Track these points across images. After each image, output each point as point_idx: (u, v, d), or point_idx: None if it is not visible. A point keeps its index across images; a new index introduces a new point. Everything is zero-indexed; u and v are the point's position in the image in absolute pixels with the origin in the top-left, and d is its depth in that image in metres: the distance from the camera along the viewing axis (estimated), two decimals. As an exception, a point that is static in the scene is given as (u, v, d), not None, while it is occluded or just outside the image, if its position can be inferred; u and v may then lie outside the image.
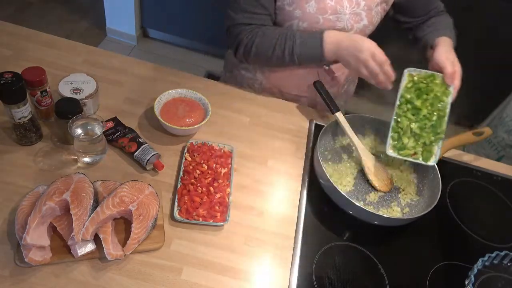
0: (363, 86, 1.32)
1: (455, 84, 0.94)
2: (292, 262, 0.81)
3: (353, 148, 1.01)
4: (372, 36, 1.07)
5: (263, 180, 0.95)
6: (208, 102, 1.00)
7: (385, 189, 0.98)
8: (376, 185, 0.97)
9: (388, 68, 0.94)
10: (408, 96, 0.93)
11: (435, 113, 0.92)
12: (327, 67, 1.12)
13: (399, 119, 0.94)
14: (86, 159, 0.86)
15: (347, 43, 0.96)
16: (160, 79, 1.12)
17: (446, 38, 1.06)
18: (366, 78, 0.96)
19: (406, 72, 0.96)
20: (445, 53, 0.98)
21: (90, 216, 0.72)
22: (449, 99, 0.93)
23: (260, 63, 1.12)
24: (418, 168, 1.04)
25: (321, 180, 0.94)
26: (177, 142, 0.97)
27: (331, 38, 0.97)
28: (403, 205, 0.97)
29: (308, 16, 0.99)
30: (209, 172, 0.89)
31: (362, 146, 1.00)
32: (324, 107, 1.14)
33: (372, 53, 0.92)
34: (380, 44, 0.96)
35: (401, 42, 1.18)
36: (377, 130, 1.10)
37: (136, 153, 0.88)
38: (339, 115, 1.01)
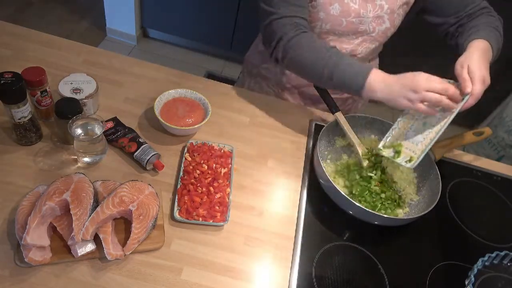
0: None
1: (469, 91, 0.86)
2: (292, 262, 0.81)
3: (353, 148, 1.01)
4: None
5: (263, 180, 0.95)
6: (208, 102, 1.00)
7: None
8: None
9: (453, 91, 0.85)
10: None
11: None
12: None
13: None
14: (86, 159, 0.86)
15: (391, 83, 0.88)
16: (160, 79, 1.12)
17: (478, 43, 0.95)
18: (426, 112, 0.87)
19: None
20: (465, 59, 0.90)
21: (90, 216, 0.72)
22: (458, 106, 0.87)
23: (294, 65, 0.98)
24: (418, 168, 1.04)
25: (321, 180, 0.94)
26: (177, 142, 0.97)
27: (376, 77, 0.89)
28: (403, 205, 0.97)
29: (332, 18, 0.99)
30: (209, 172, 0.89)
31: (362, 146, 1.00)
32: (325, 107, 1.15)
33: (421, 85, 0.84)
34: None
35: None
36: (377, 130, 1.10)
37: (136, 153, 0.88)
38: (339, 115, 1.01)
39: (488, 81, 0.89)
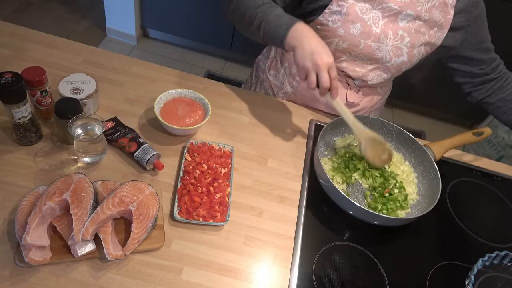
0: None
1: None
2: (292, 262, 0.81)
3: (350, 129, 0.97)
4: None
5: (263, 180, 0.95)
6: (208, 102, 1.00)
7: (381, 164, 0.98)
8: (372, 161, 0.97)
9: (335, 83, 0.89)
10: None
11: None
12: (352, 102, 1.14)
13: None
14: (86, 159, 0.86)
15: (310, 41, 0.88)
16: (160, 79, 1.12)
17: None
18: (307, 82, 0.90)
19: None
20: None
21: (90, 216, 0.72)
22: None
23: (235, 16, 1.00)
24: (418, 168, 1.04)
25: (321, 180, 0.94)
26: (177, 142, 0.97)
27: (298, 32, 0.89)
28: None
29: (350, 37, 0.98)
30: (209, 172, 0.89)
31: (357, 123, 0.96)
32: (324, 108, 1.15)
33: (329, 67, 0.87)
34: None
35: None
36: (377, 130, 1.10)
37: (136, 153, 0.88)
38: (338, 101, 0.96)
39: None
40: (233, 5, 0.98)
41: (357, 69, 1.06)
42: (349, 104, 1.14)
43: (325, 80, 0.87)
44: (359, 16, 0.95)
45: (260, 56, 1.29)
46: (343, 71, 1.07)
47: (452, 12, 0.99)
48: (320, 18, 0.98)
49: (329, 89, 0.90)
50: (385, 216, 0.87)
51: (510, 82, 1.14)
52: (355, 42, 0.99)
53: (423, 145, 1.03)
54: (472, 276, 0.82)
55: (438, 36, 1.02)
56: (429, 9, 0.96)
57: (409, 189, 0.99)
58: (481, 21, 1.06)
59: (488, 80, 1.14)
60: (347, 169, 0.98)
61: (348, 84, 1.12)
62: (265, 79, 1.24)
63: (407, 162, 1.06)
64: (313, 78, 0.87)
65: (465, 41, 1.06)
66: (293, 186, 0.95)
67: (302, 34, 0.89)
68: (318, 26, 1.00)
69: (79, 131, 0.83)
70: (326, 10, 0.96)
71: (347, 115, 0.95)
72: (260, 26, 0.93)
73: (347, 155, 1.02)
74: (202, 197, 0.84)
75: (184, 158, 0.92)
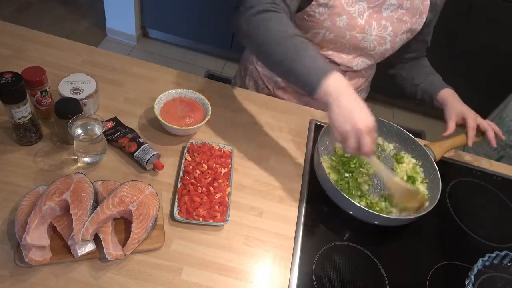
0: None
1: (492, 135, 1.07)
2: (292, 262, 0.81)
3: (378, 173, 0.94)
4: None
5: (263, 180, 0.95)
6: (208, 102, 1.00)
7: (411, 210, 0.92)
8: (402, 208, 0.93)
9: (374, 144, 0.80)
10: None
11: None
12: None
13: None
14: (86, 159, 0.86)
15: (349, 101, 0.76)
16: (160, 79, 1.12)
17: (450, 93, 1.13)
18: (344, 146, 0.79)
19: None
20: (471, 113, 1.08)
21: (90, 216, 0.72)
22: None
23: (254, 39, 0.85)
24: (418, 168, 1.04)
25: (321, 180, 0.94)
26: (177, 142, 0.97)
27: (335, 84, 0.77)
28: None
29: (336, 29, 1.00)
30: (209, 172, 0.89)
31: (392, 177, 0.90)
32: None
33: (370, 130, 0.77)
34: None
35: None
36: (377, 130, 1.09)
37: (136, 153, 0.88)
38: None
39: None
40: (253, 27, 0.83)
41: (342, 56, 1.08)
42: None
43: (367, 145, 0.76)
44: (345, 8, 0.97)
45: (247, 49, 1.27)
46: (328, 58, 1.09)
47: None
48: (308, 9, 0.99)
49: None
50: (385, 216, 0.87)
51: (423, 61, 1.24)
52: (341, 34, 1.01)
53: (423, 145, 1.04)
54: (472, 276, 0.82)
55: (418, 22, 1.06)
56: None
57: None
58: (440, 9, 1.10)
59: (415, 58, 1.23)
60: (343, 170, 0.99)
61: None
62: (254, 70, 1.24)
63: (413, 160, 1.06)
64: (352, 144, 0.76)
65: (428, 25, 1.10)
66: (293, 186, 0.95)
67: (339, 88, 0.76)
68: (306, 17, 1.01)
69: (79, 131, 0.83)
70: (313, 2, 0.97)
71: (382, 170, 0.88)
72: (288, 64, 0.79)
73: (345, 157, 1.02)
74: (202, 197, 0.84)
75: (184, 158, 0.92)
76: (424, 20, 1.06)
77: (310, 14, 0.99)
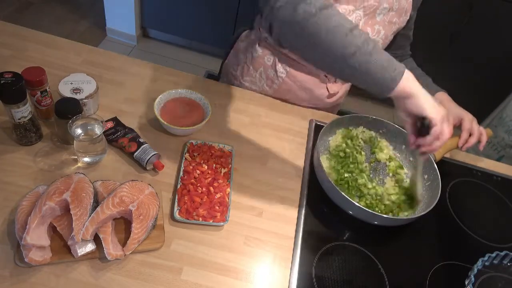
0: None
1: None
2: (292, 262, 0.81)
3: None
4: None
5: (263, 180, 0.95)
6: (208, 102, 1.00)
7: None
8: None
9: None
10: None
11: None
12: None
13: None
14: (86, 159, 0.86)
15: (425, 92, 0.76)
16: (160, 79, 1.12)
17: (446, 97, 1.12)
18: (441, 135, 0.78)
19: None
20: (467, 115, 1.06)
21: (90, 216, 0.72)
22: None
23: (310, 39, 0.73)
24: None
25: (321, 180, 0.94)
26: (177, 142, 0.97)
27: (412, 78, 0.75)
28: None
29: None
30: (209, 172, 0.89)
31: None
32: (324, 107, 1.15)
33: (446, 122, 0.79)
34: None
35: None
36: (378, 130, 1.10)
37: (136, 153, 0.88)
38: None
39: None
40: (311, 26, 0.71)
41: None
42: (331, 95, 1.18)
43: (449, 130, 0.78)
44: None
45: (228, 61, 1.22)
46: None
47: None
48: None
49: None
50: (385, 216, 0.87)
51: (411, 62, 1.23)
52: None
53: (424, 146, 1.03)
54: (472, 276, 0.82)
55: (404, 20, 1.07)
56: None
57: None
58: (420, 2, 1.10)
59: (400, 56, 1.22)
60: (343, 170, 0.99)
61: (326, 77, 1.13)
62: (241, 85, 1.19)
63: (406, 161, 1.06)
64: (447, 128, 0.77)
65: (409, 21, 1.11)
66: (293, 186, 0.95)
67: (416, 82, 0.75)
68: None
69: (79, 131, 0.83)
70: None
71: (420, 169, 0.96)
72: (362, 57, 0.72)
73: (341, 155, 1.03)
74: (202, 197, 0.84)
75: (184, 158, 0.92)
76: (408, 17, 1.07)
77: None
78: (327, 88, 1.15)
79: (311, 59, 0.79)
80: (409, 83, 0.74)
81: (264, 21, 0.76)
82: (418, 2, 1.07)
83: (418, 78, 1.15)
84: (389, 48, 1.16)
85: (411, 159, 1.06)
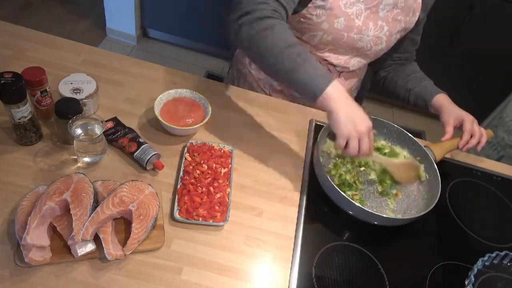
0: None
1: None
2: (292, 262, 0.81)
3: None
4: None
5: (263, 180, 0.95)
6: (208, 102, 1.00)
7: (408, 181, 1.00)
8: (399, 179, 0.99)
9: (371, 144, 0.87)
10: None
11: None
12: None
13: None
14: (86, 159, 0.86)
15: (349, 107, 0.83)
16: (160, 79, 1.12)
17: (445, 97, 1.13)
18: (347, 151, 0.84)
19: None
20: (468, 116, 1.07)
21: (90, 216, 0.72)
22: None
23: (255, 47, 0.85)
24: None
25: (321, 180, 0.94)
26: (177, 142, 0.97)
27: (336, 92, 0.82)
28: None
29: (334, 31, 1.00)
30: (209, 172, 0.89)
31: (390, 162, 0.98)
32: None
33: (369, 131, 0.84)
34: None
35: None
36: (378, 130, 1.10)
37: (136, 153, 0.88)
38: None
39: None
40: (253, 35, 0.83)
41: (339, 57, 1.09)
42: None
43: (367, 147, 0.84)
44: (343, 10, 0.97)
45: (238, 50, 1.27)
46: (325, 60, 1.10)
47: None
48: (304, 11, 0.98)
49: None
50: (385, 216, 0.87)
51: (414, 66, 1.25)
52: (339, 35, 1.01)
53: (424, 146, 1.04)
54: (472, 276, 0.82)
55: (412, 21, 1.07)
56: None
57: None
58: (429, 8, 1.10)
59: (405, 60, 1.24)
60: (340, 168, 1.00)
61: (330, 71, 1.14)
62: (248, 73, 1.23)
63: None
64: (355, 145, 0.83)
65: (418, 24, 1.11)
66: (293, 186, 0.95)
67: (341, 96, 0.82)
68: (302, 19, 1.01)
69: (79, 131, 0.83)
70: (310, 5, 0.97)
71: (381, 159, 0.97)
72: (292, 72, 0.82)
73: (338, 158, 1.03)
74: (202, 197, 0.84)
75: (184, 158, 0.92)
76: (416, 19, 1.07)
77: (307, 16, 0.99)
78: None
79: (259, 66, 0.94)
80: (329, 101, 0.82)
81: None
82: (428, 4, 1.07)
83: (420, 80, 1.17)
84: (395, 50, 1.16)
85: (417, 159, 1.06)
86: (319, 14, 0.97)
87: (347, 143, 0.83)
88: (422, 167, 1.02)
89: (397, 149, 1.08)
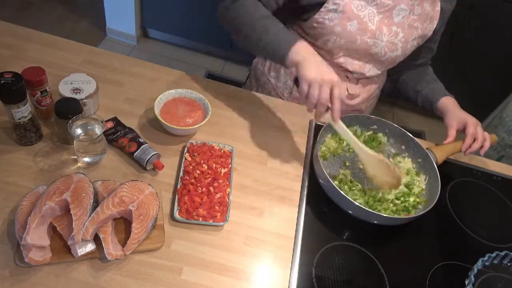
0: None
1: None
2: (292, 262, 0.81)
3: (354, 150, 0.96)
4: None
5: (263, 180, 0.95)
6: (208, 102, 1.00)
7: (389, 188, 0.94)
8: (379, 185, 0.94)
9: (337, 104, 0.86)
10: None
11: None
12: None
13: None
14: (86, 159, 0.86)
15: (317, 58, 0.87)
16: (160, 79, 1.12)
17: (452, 100, 1.13)
18: (307, 96, 0.86)
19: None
20: (471, 120, 1.06)
21: (90, 216, 0.72)
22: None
23: (232, 24, 0.98)
24: (418, 169, 1.04)
25: (321, 180, 0.94)
26: (177, 142, 0.97)
27: (302, 49, 0.87)
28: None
29: (347, 34, 0.99)
30: (209, 172, 0.89)
31: (362, 147, 0.92)
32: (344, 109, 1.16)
33: (333, 84, 0.84)
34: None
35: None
36: (379, 131, 1.10)
37: (136, 153, 0.88)
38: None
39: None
40: (230, 15, 0.96)
41: (354, 63, 1.08)
42: (350, 96, 1.17)
43: (325, 95, 0.83)
44: (355, 13, 0.97)
45: (257, 59, 1.28)
46: (341, 66, 1.09)
47: (439, 4, 1.04)
48: (317, 16, 0.99)
49: (329, 109, 0.87)
50: (385, 216, 0.87)
51: (427, 69, 1.24)
52: (352, 39, 1.00)
53: (426, 149, 1.03)
54: (472, 276, 0.82)
55: (429, 28, 1.06)
56: (420, 2, 1.00)
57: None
58: (448, 15, 1.10)
59: (420, 66, 1.23)
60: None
61: (347, 77, 1.13)
62: (266, 82, 1.23)
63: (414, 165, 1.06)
64: (315, 91, 0.83)
65: (436, 32, 1.11)
66: (293, 186, 0.95)
67: (306, 51, 0.87)
68: (315, 24, 1.01)
69: (79, 131, 0.83)
70: (322, 9, 0.97)
71: (352, 138, 0.91)
72: (261, 40, 0.91)
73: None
74: (202, 197, 0.84)
75: (184, 158, 0.92)
76: (434, 26, 1.06)
77: (320, 21, 0.99)
78: (347, 88, 1.14)
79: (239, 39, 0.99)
80: (297, 54, 0.86)
81: None
82: (446, 12, 1.06)
83: (429, 83, 1.18)
84: (411, 57, 1.13)
85: (418, 160, 1.06)
86: (332, 18, 0.97)
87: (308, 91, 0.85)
88: (402, 173, 0.98)
89: (382, 138, 1.09)
